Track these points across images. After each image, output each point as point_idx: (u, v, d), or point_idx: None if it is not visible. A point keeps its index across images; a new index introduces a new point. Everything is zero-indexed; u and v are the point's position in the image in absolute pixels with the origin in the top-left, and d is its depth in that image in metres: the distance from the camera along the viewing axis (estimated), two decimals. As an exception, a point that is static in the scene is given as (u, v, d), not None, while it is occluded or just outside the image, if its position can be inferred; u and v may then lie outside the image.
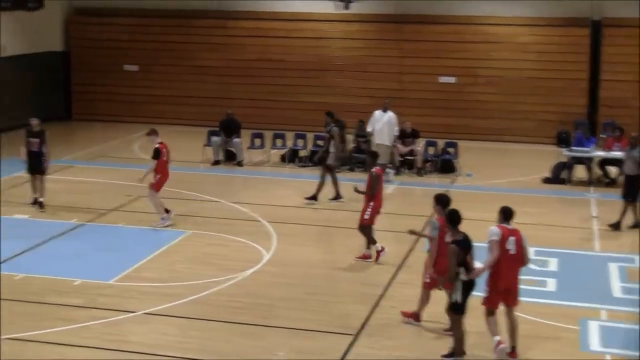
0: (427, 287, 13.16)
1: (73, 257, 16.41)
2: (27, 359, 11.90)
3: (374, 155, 17.27)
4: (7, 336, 12.55)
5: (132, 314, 13.56)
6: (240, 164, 24.73)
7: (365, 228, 16.31)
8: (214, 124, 26.04)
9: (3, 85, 29.36)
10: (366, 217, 16.23)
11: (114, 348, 12.26)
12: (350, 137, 24.74)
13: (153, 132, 18.69)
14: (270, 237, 17.78)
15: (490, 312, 12.09)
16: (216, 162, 24.77)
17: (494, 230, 11.89)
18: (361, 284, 15.20)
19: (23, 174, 19.90)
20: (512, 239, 11.87)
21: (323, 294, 14.70)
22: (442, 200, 12.95)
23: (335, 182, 20.54)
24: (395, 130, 23.50)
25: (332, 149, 20.53)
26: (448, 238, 11.88)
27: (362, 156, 23.33)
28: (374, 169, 16.42)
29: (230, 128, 25.11)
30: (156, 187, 18.42)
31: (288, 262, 16.24)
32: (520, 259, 11.99)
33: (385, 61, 29.89)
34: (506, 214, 12.05)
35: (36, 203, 19.37)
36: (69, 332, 12.80)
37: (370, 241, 16.30)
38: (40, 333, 12.69)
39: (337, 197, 20.51)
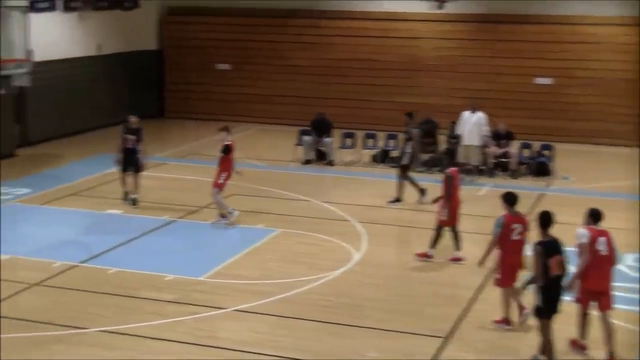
0: (497, 284, 13.19)
1: (165, 253, 16.54)
2: (116, 352, 11.98)
3: (451, 156, 17.17)
4: (100, 329, 12.69)
5: (223, 311, 13.58)
6: (331, 163, 24.66)
7: (440, 229, 16.19)
8: (305, 123, 26.03)
9: (99, 82, 29.81)
10: (443, 218, 16.07)
11: (205, 344, 12.28)
12: (442, 138, 24.47)
13: (226, 129, 18.63)
14: (359, 237, 17.66)
15: (583, 314, 11.99)
16: (307, 162, 24.74)
17: (582, 232, 11.81)
18: (452, 286, 14.97)
19: (115, 169, 20.03)
20: (602, 239, 11.77)
21: (413, 295, 14.53)
22: (507, 199, 13.10)
23: (401, 185, 20.33)
24: (485, 131, 23.18)
25: (408, 150, 20.36)
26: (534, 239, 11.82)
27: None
28: (449, 170, 16.33)
29: (321, 127, 25.07)
30: (220, 185, 18.39)
31: (377, 263, 16.09)
32: (611, 259, 11.82)
33: (478, 61, 29.52)
34: (595, 216, 11.97)
35: (127, 198, 19.50)
36: (161, 326, 12.88)
37: (456, 242, 16.21)
38: (132, 326, 12.79)
39: (398, 200, 20.33)
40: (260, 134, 29.91)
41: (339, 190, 21.82)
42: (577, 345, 12.19)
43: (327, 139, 24.92)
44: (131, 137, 19.50)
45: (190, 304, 13.79)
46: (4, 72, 23.00)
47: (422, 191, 20.21)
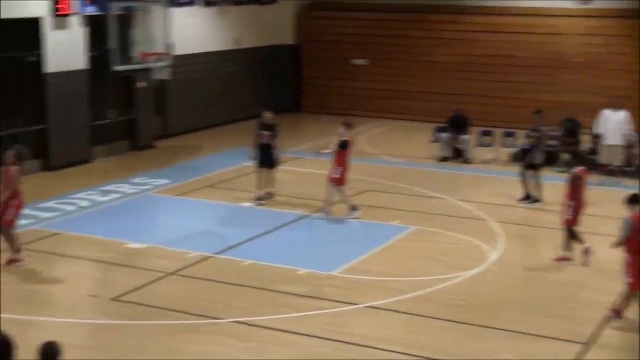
0: (631, 287, 12.76)
1: (299, 246, 16.52)
2: (250, 343, 11.98)
3: (578, 155, 16.61)
4: (233, 319, 12.72)
5: (355, 306, 13.44)
6: (467, 161, 24.24)
7: (568, 229, 15.64)
8: (441, 120, 25.66)
9: (237, 76, 30.14)
10: (568, 217, 15.55)
11: (336, 339, 12.15)
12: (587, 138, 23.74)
13: (346, 124, 18.47)
14: (496, 236, 17.24)
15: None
16: (443, 159, 24.38)
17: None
18: (592, 290, 14.42)
19: (251, 164, 20.09)
20: None
21: (549, 297, 14.06)
22: (633, 199, 12.78)
23: (525, 182, 19.86)
24: (628, 130, 22.37)
25: (539, 148, 19.96)
26: None
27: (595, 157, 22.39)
28: (575, 169, 15.83)
29: (459, 124, 24.67)
30: (338, 180, 18.25)
31: (514, 263, 15.67)
32: None
33: (624, 59, 28.50)
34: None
35: (262, 199, 19.47)
36: (293, 319, 12.82)
37: (571, 242, 15.66)
38: (265, 318, 12.77)
39: (527, 198, 19.77)
40: (396, 130, 29.68)
41: (475, 189, 21.40)
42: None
43: (464, 136, 24.51)
44: (266, 132, 19.46)
45: (322, 299, 13.69)
46: (145, 66, 23.47)
47: (529, 196, 19.71)
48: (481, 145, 25.21)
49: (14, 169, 14.74)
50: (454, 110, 25.30)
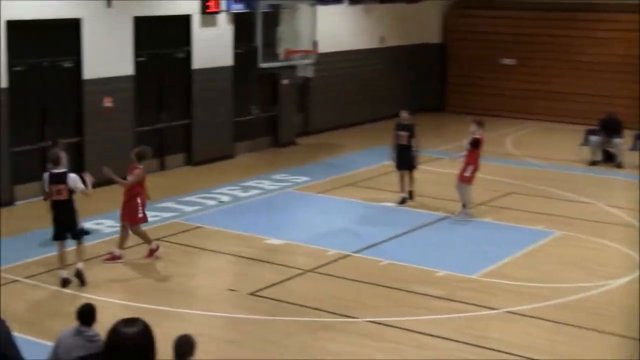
0: None
1: (438, 248, 16.27)
2: (386, 343, 11.80)
3: None
4: (369, 319, 12.58)
5: (494, 311, 13.09)
6: (619, 165, 23.38)
7: None
8: (592, 123, 24.88)
9: (380, 75, 30.01)
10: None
11: (474, 343, 11.85)
12: None
13: (478, 123, 18.06)
14: (646, 244, 16.56)
15: None
16: (593, 163, 23.60)
17: None
18: None
19: (390, 164, 19.85)
20: None
21: None
22: None
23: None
24: None
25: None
26: None
27: None
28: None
29: (611, 127, 23.82)
30: (469, 180, 17.86)
31: (666, 273, 15.00)
32: None
33: None
34: None
35: (404, 202, 19.19)
36: (430, 321, 12.59)
37: None
38: (401, 319, 12.58)
39: None
40: (543, 132, 28.97)
41: (627, 194, 20.57)
42: None
43: (617, 140, 23.67)
44: (403, 133, 19.17)
45: (461, 302, 13.39)
46: (290, 63, 23.58)
47: None
48: (634, 149, 24.22)
49: (136, 167, 14.87)
50: (604, 112, 24.46)
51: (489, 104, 31.09)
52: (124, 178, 14.91)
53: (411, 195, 19.21)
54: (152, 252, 15.09)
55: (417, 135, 19.19)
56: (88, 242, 14.63)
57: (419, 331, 12.20)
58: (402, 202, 19.07)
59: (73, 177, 13.49)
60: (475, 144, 17.95)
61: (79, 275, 13.65)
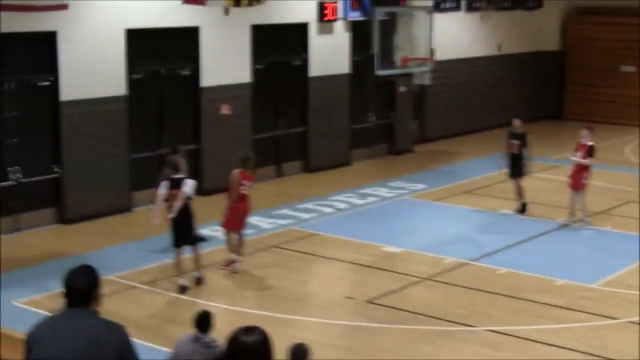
0: None
1: (557, 257, 16.03)
2: (505, 353, 11.70)
3: None
4: (488, 328, 12.49)
5: (615, 321, 12.85)
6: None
7: None
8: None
9: (497, 82, 29.76)
10: None
11: (595, 353, 11.66)
12: None
13: (591, 129, 17.75)
14: None
15: None
16: None
17: None
18: None
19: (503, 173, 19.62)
20: None
21: None
22: None
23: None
24: None
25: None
26: None
27: None
28: None
29: None
30: (585, 187, 17.73)
31: None
32: None
33: None
34: None
35: (523, 210, 18.94)
36: (550, 331, 12.43)
37: None
38: (520, 328, 12.45)
39: None
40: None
41: None
42: None
43: None
44: (515, 142, 18.88)
45: (581, 311, 13.19)
46: (406, 71, 23.56)
47: None
48: None
49: (237, 172, 14.82)
50: None
51: (608, 111, 30.50)
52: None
53: (525, 206, 18.89)
54: (229, 263, 15.00)
55: (529, 144, 18.90)
56: (205, 249, 14.88)
57: (539, 340, 12.06)
58: (522, 210, 18.82)
59: (190, 183, 13.70)
60: (590, 151, 17.66)
61: (199, 282, 13.90)
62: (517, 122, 19.16)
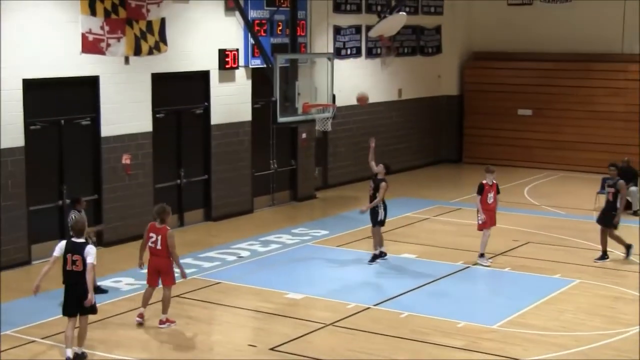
0: None
1: (459, 298, 16.25)
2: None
3: None
4: (389, 373, 12.58)
5: (515, 362, 13.09)
6: (636, 213, 23.36)
7: None
8: (607, 171, 24.86)
9: (398, 127, 30.23)
10: None
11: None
12: None
13: (488, 171, 18.70)
14: (666, 293, 16.49)
15: None
16: (609, 211, 23.56)
17: None
18: None
19: (410, 214, 19.87)
20: None
21: None
22: None
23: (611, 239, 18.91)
24: None
25: (618, 205, 18.77)
26: None
27: None
28: None
29: (627, 176, 23.75)
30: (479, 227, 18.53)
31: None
32: None
33: None
34: None
35: (379, 257, 18.80)
36: (450, 374, 12.57)
37: None
38: (421, 372, 12.58)
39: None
40: (559, 181, 28.99)
41: (643, 242, 20.56)
42: None
43: (633, 188, 23.65)
44: (372, 187, 18.66)
45: (481, 352, 13.38)
46: (308, 117, 23.69)
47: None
48: (651, 197, 24.23)
49: (165, 227, 14.50)
50: (620, 161, 24.46)
51: (506, 154, 31.22)
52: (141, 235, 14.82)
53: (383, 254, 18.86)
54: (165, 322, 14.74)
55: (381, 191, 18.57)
56: (107, 301, 14.67)
57: (440, 383, 12.20)
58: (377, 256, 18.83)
59: (93, 252, 12.90)
60: (480, 190, 18.32)
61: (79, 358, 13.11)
62: (378, 168, 18.80)
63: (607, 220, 18.86)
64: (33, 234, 18.51)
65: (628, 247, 18.99)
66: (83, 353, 13.05)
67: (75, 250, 12.88)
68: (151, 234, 14.46)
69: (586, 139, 30.23)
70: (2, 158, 17.79)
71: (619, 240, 18.92)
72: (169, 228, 14.44)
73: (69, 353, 12.89)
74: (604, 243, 18.86)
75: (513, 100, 31.58)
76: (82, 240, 13.00)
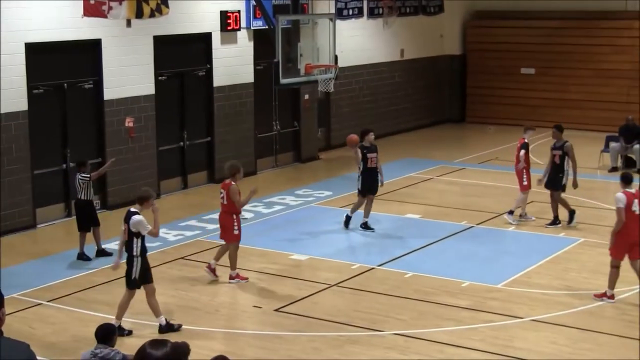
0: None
1: (463, 258, 16.27)
2: (412, 356, 11.83)
3: None
4: (396, 332, 12.62)
5: (520, 320, 13.11)
6: (640, 171, 23.36)
7: None
8: (612, 130, 24.86)
9: (401, 87, 30.12)
10: None
11: (501, 353, 11.87)
12: None
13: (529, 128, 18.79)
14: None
15: (616, 264, 13.68)
16: (613, 169, 23.55)
17: (620, 196, 13.50)
18: None
19: (413, 174, 19.85)
20: (636, 201, 13.46)
21: None
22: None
23: (558, 206, 18.30)
24: None
25: (566, 168, 18.28)
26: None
27: None
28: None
29: (630, 134, 23.80)
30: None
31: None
32: None
33: None
34: (626, 180, 13.72)
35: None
36: (456, 332, 12.62)
37: None
38: (427, 331, 12.62)
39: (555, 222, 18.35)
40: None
41: (648, 200, 20.51)
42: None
43: (636, 146, 23.62)
44: (373, 155, 18.48)
45: (486, 312, 13.42)
46: (310, 78, 23.63)
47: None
48: (655, 154, 24.19)
49: (230, 182, 14.86)
50: (625, 119, 24.44)
51: (510, 113, 31.09)
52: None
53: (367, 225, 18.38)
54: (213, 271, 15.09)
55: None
56: (111, 264, 14.69)
57: (446, 342, 12.24)
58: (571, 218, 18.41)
59: (136, 221, 12.54)
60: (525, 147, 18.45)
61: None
62: (370, 137, 18.60)
63: (554, 183, 18.28)
64: (37, 198, 18.53)
65: (572, 213, 18.34)
66: (168, 323, 12.84)
67: (125, 218, 12.66)
68: (221, 190, 14.97)
69: (590, 97, 30.12)
70: (5, 122, 17.77)
71: (564, 204, 18.29)
72: (233, 183, 14.77)
73: (161, 320, 12.80)
74: (554, 208, 18.31)
75: (516, 59, 31.43)
76: (134, 209, 12.64)
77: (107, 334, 8.63)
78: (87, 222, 16.32)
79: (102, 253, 16.27)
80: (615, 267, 13.73)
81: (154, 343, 5.01)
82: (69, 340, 12.53)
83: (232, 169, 14.96)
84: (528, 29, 31.14)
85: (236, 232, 14.90)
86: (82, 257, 16.13)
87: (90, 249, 16.28)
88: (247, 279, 15.00)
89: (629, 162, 23.74)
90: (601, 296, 13.83)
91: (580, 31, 30.24)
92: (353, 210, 18.25)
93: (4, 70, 17.62)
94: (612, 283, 13.74)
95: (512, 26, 31.51)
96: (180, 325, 12.82)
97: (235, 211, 14.84)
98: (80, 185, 16.14)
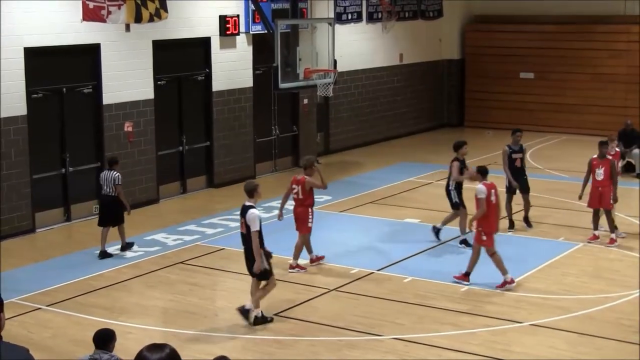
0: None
1: (460, 263, 16.21)
2: (411, 359, 11.87)
3: None
4: (395, 336, 12.63)
5: (519, 324, 13.13)
6: (639, 176, 23.36)
7: None
8: (609, 134, 24.83)
9: (400, 92, 30.16)
10: None
11: (499, 357, 11.89)
12: None
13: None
14: (669, 254, 16.52)
15: (492, 251, 14.62)
16: (612, 173, 23.55)
17: (481, 188, 14.52)
18: None
19: (412, 179, 19.87)
20: (493, 191, 14.54)
21: None
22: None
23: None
24: None
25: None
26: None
27: None
28: None
29: (629, 138, 23.82)
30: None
31: (690, 282, 14.96)
32: (498, 204, 14.85)
33: None
34: (483, 173, 14.90)
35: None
36: (455, 337, 12.64)
37: None
38: (427, 336, 12.63)
39: None
40: (562, 144, 28.97)
41: (646, 204, 20.57)
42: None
43: (635, 150, 23.65)
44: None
45: (485, 316, 13.44)
46: (309, 82, 23.67)
47: None
48: (653, 159, 24.21)
49: (303, 178, 15.77)
50: (624, 123, 24.47)
51: (508, 118, 31.07)
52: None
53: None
54: (317, 259, 16.11)
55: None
56: (111, 267, 14.75)
57: (445, 347, 12.25)
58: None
59: (252, 217, 13.10)
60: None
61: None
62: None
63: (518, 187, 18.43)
64: (36, 202, 18.54)
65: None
66: (248, 310, 13.24)
67: (241, 213, 13.24)
68: (293, 186, 15.87)
69: (588, 102, 30.17)
70: (4, 127, 17.78)
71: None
72: (307, 177, 15.76)
73: (247, 305, 13.27)
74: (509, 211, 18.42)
75: (515, 64, 31.47)
76: (249, 202, 13.19)
77: (105, 339, 8.63)
78: (112, 218, 16.54)
79: (127, 247, 16.71)
80: (493, 253, 14.63)
81: (152, 347, 5.01)
82: (68, 344, 12.53)
83: (308, 162, 16.10)
84: (527, 34, 31.19)
85: (310, 224, 15.77)
86: (105, 254, 16.21)
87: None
88: (305, 269, 15.72)
89: (628, 167, 23.74)
90: (503, 285, 14.52)
91: (579, 35, 30.30)
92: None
93: (3, 75, 17.65)
94: (503, 268, 14.59)
95: (511, 30, 31.56)
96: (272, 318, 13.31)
97: (310, 204, 15.81)
98: (116, 181, 16.42)
